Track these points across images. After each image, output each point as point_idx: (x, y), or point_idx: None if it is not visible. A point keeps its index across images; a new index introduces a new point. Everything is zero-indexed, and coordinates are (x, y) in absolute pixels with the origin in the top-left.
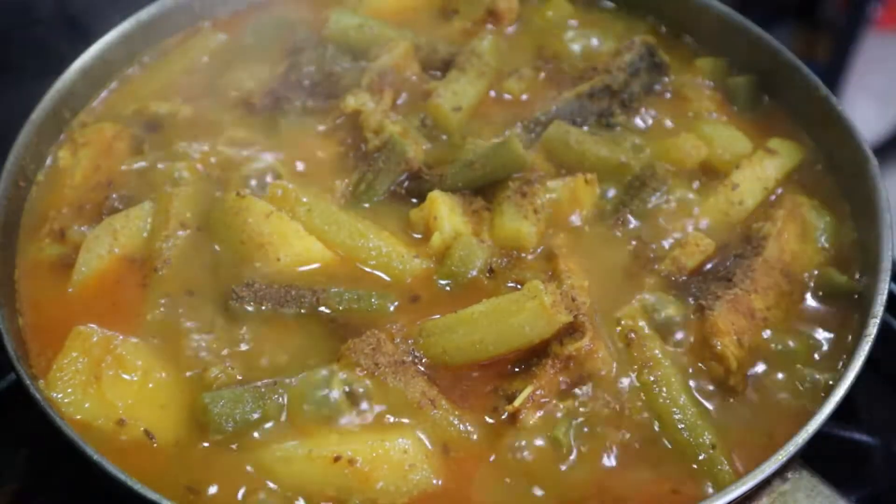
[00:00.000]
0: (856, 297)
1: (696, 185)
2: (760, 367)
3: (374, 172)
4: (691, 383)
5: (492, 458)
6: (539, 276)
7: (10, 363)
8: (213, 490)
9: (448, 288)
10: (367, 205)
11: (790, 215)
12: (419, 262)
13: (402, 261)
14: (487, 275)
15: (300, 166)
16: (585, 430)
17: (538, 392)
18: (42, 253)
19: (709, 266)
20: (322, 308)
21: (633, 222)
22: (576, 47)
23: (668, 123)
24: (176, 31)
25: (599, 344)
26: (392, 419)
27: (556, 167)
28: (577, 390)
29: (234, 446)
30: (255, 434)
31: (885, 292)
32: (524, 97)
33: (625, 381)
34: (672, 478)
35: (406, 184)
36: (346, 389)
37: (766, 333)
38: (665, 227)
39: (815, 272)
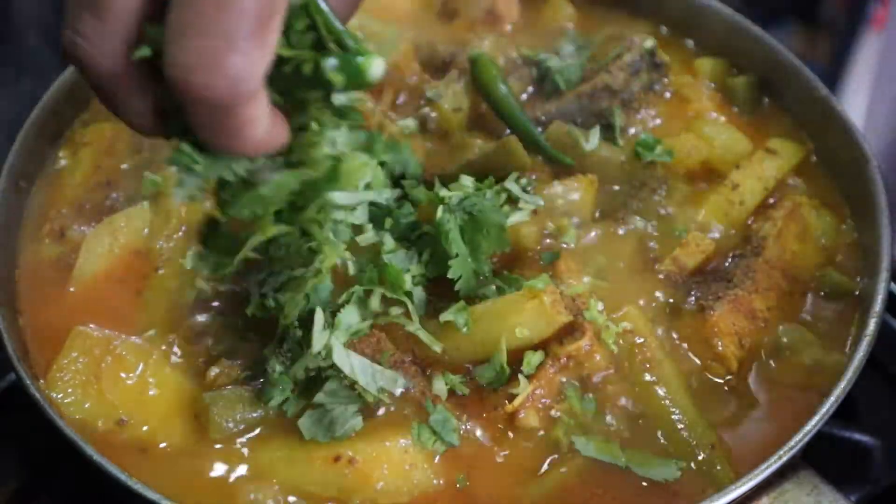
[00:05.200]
0: (856, 297)
1: (695, 184)
2: (761, 367)
3: None
4: (691, 383)
5: (492, 458)
6: (539, 277)
7: (10, 363)
8: (212, 490)
9: None
10: None
11: (790, 215)
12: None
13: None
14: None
15: None
16: (584, 429)
17: (538, 392)
18: (42, 253)
19: (709, 266)
20: None
21: (632, 222)
22: (576, 47)
23: (669, 123)
24: None
25: (599, 344)
26: (392, 419)
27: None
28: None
29: (234, 446)
30: (256, 434)
31: (885, 292)
32: (524, 97)
33: (624, 381)
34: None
35: None
36: None
37: (767, 334)
38: (665, 227)
39: (816, 272)
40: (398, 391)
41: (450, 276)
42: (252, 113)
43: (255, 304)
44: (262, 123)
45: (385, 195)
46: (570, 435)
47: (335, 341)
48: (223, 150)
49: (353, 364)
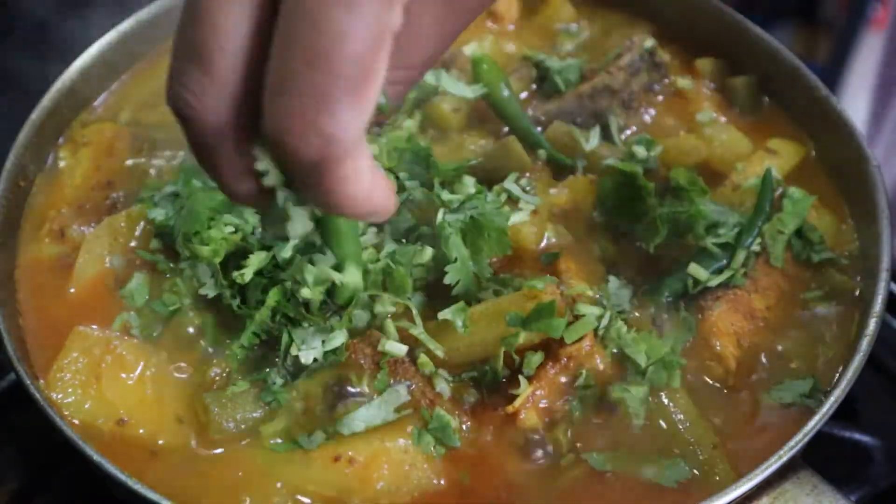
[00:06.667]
0: (856, 297)
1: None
2: (760, 367)
3: None
4: (691, 383)
5: (492, 458)
6: (539, 276)
7: (10, 363)
8: (212, 490)
9: None
10: None
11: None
12: None
13: None
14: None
15: None
16: (585, 430)
17: (538, 392)
18: (42, 253)
19: None
20: None
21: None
22: (576, 47)
23: (669, 123)
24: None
25: (599, 345)
26: (392, 419)
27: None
28: (576, 390)
29: (234, 446)
30: (256, 434)
31: (885, 292)
32: (524, 97)
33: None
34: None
35: None
36: None
37: (766, 333)
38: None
39: (816, 272)
40: (405, 395)
41: (446, 281)
42: (347, 171)
43: (248, 337)
44: (360, 182)
45: None
46: (570, 434)
47: (339, 427)
48: (324, 208)
49: (362, 420)
